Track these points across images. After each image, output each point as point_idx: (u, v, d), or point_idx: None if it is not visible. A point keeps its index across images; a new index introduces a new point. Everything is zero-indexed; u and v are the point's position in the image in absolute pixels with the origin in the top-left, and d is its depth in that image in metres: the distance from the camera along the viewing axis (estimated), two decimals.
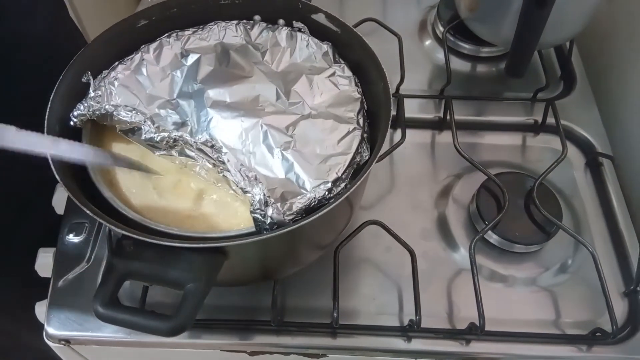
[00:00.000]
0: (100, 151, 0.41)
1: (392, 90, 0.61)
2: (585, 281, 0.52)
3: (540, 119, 0.62)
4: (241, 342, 0.48)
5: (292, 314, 0.50)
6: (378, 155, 0.41)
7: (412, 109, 0.62)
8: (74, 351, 0.50)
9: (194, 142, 0.39)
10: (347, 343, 0.48)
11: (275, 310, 0.47)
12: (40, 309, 0.52)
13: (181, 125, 0.44)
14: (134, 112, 0.41)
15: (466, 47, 0.68)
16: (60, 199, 0.57)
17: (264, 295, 0.49)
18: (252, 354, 0.49)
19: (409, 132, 0.57)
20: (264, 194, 0.38)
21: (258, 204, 0.38)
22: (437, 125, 0.63)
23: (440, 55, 0.70)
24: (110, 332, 0.47)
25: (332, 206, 0.38)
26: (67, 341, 0.48)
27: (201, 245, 0.35)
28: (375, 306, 0.50)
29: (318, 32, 0.50)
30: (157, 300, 0.50)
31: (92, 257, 0.52)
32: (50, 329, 0.48)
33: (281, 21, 0.51)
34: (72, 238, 0.52)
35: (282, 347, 0.48)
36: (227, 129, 0.44)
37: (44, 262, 0.55)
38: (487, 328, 0.46)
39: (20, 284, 0.61)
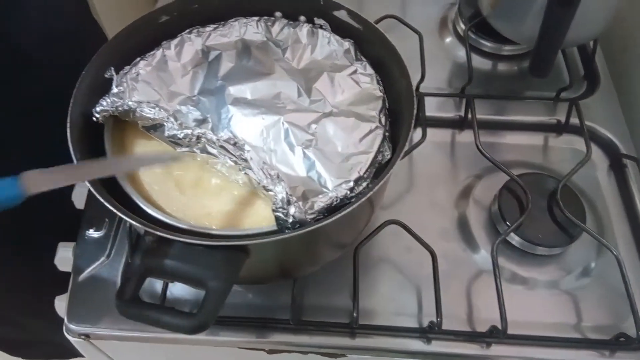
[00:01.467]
0: (129, 159, 0.41)
1: (413, 87, 0.60)
2: (608, 285, 0.51)
3: (563, 119, 0.61)
4: (259, 340, 0.48)
5: (309, 312, 0.49)
6: (402, 153, 0.40)
7: (431, 107, 0.62)
8: (93, 346, 0.50)
9: (217, 139, 0.39)
10: (366, 343, 0.48)
11: (294, 309, 0.47)
12: (60, 304, 0.52)
13: (202, 121, 0.44)
14: (157, 108, 0.41)
15: (488, 45, 0.67)
16: (80, 194, 0.57)
17: (281, 293, 0.49)
18: (271, 352, 0.49)
19: (428, 130, 0.56)
20: (287, 193, 0.38)
21: (280, 203, 0.37)
22: (458, 124, 0.62)
23: (460, 52, 0.69)
24: (129, 327, 0.48)
25: (354, 206, 0.37)
26: (86, 336, 0.49)
27: (224, 243, 0.35)
28: (394, 306, 0.50)
29: (339, 29, 0.49)
30: (176, 296, 0.50)
31: (112, 252, 0.52)
32: (70, 324, 0.49)
33: (302, 18, 0.50)
34: (92, 233, 0.53)
35: (300, 346, 0.48)
36: (248, 126, 0.44)
37: (64, 257, 0.55)
38: (508, 331, 0.46)
39: (39, 278, 0.62)
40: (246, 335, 0.48)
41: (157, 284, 0.50)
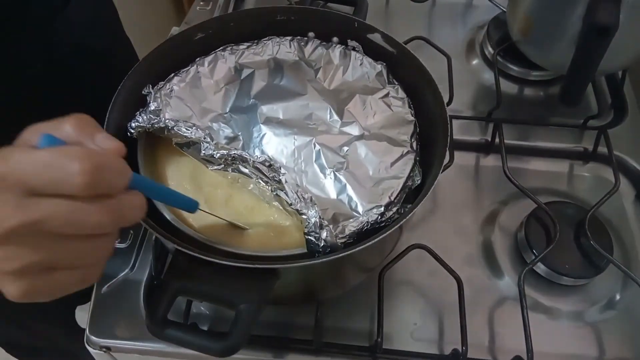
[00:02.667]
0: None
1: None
2: (633, 318, 0.50)
3: (589, 147, 0.60)
4: None
5: (330, 334, 0.49)
6: (436, 181, 0.40)
7: (456, 130, 0.61)
8: (113, 359, 0.50)
9: (253, 160, 0.39)
10: None
11: (317, 331, 0.46)
12: (82, 314, 0.52)
13: (233, 139, 0.44)
14: (194, 128, 0.41)
15: (515, 69, 0.66)
16: None
17: (303, 313, 0.49)
18: None
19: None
20: (319, 217, 0.38)
21: (313, 227, 0.37)
22: (483, 148, 0.62)
23: (486, 75, 0.69)
24: (152, 342, 0.47)
25: (387, 233, 0.37)
26: (107, 348, 0.48)
27: (257, 265, 0.35)
28: (416, 332, 0.50)
29: (372, 51, 0.49)
30: (195, 312, 0.50)
31: (137, 264, 0.52)
32: (91, 335, 0.49)
33: (335, 39, 0.51)
34: (117, 244, 0.53)
35: None
36: (279, 146, 0.44)
37: None
38: None
39: None
40: (267, 355, 0.48)
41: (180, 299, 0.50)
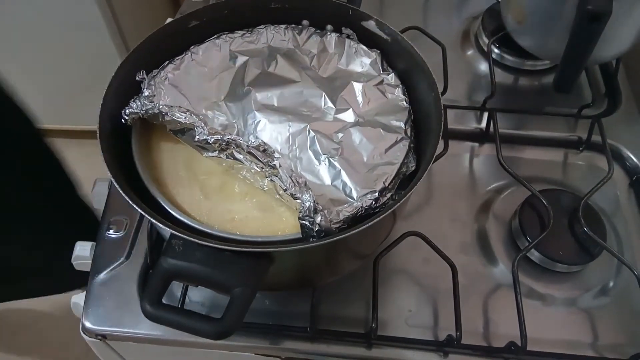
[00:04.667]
0: None
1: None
2: (626, 304, 0.51)
3: (584, 136, 0.60)
4: (276, 347, 0.48)
5: (326, 321, 0.49)
6: (429, 166, 0.40)
7: (452, 119, 0.62)
8: (109, 347, 0.50)
9: (247, 145, 0.39)
10: (383, 354, 0.47)
11: (313, 317, 0.47)
12: (77, 303, 0.52)
13: (228, 127, 0.44)
14: (188, 113, 0.41)
15: (510, 59, 0.67)
16: (99, 194, 0.58)
17: (299, 300, 0.49)
18: (286, 359, 0.49)
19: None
20: (314, 201, 0.38)
21: (307, 211, 0.38)
22: (478, 137, 0.62)
23: (481, 65, 0.69)
24: (147, 329, 0.48)
25: (381, 217, 0.37)
26: (103, 336, 0.49)
27: (251, 249, 0.35)
28: (411, 318, 0.50)
29: (366, 39, 0.49)
30: (193, 299, 0.50)
31: (132, 253, 0.52)
32: (87, 323, 0.49)
33: (329, 27, 0.51)
34: (112, 234, 0.53)
35: (317, 355, 0.48)
36: (274, 133, 0.44)
37: (81, 255, 0.55)
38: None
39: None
40: (263, 342, 0.48)
41: (175, 286, 0.50)
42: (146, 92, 0.43)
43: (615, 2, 0.49)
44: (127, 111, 0.42)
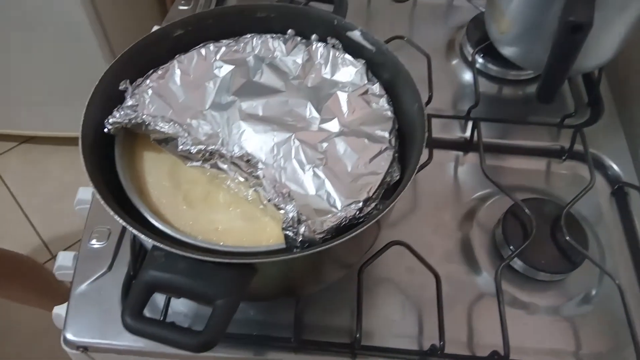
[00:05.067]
0: None
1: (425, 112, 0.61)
2: (609, 313, 0.51)
3: (567, 145, 0.61)
4: (259, 358, 0.48)
5: (311, 331, 0.49)
6: (412, 176, 0.40)
7: (436, 129, 0.62)
8: (90, 359, 0.49)
9: (230, 155, 0.39)
10: None
11: (297, 328, 0.46)
12: (59, 314, 0.51)
13: (212, 136, 0.44)
14: (171, 123, 0.41)
15: (494, 69, 0.67)
16: (83, 202, 0.57)
17: (283, 311, 0.49)
18: None
19: (433, 151, 0.56)
20: (297, 212, 0.38)
21: (291, 221, 0.37)
22: (462, 146, 0.62)
23: (466, 75, 0.69)
24: (129, 341, 0.47)
25: (364, 228, 0.37)
26: (85, 348, 0.48)
27: (233, 260, 0.35)
28: (395, 328, 0.50)
29: (352, 49, 0.50)
30: (176, 311, 0.50)
31: (114, 264, 0.51)
32: (68, 335, 0.48)
33: (314, 36, 0.51)
34: (95, 244, 0.52)
35: None
36: (259, 143, 0.44)
37: (64, 265, 0.55)
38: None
39: None
40: (247, 353, 0.48)
41: (158, 297, 0.50)
42: (129, 102, 0.42)
43: (597, 13, 0.50)
44: (110, 120, 0.42)
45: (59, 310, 0.52)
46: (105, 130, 0.42)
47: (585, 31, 0.49)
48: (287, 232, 0.38)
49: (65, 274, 0.55)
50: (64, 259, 0.56)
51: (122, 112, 0.41)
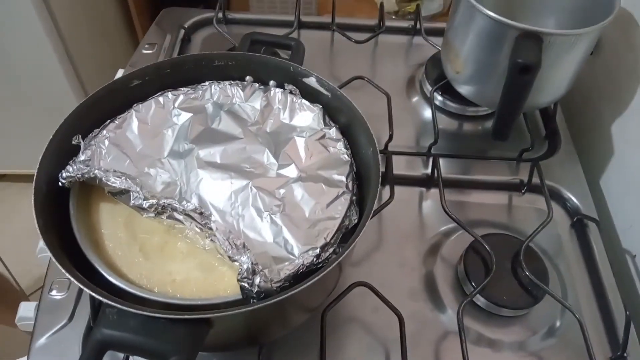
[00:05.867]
0: None
1: (381, 147, 0.62)
2: (572, 345, 0.52)
3: (525, 179, 0.63)
4: None
5: None
6: (367, 221, 0.41)
7: (400, 166, 0.63)
8: None
9: (182, 209, 0.39)
10: None
11: None
12: None
13: (170, 184, 0.44)
14: (123, 177, 0.41)
15: (452, 105, 0.69)
16: (44, 250, 0.56)
17: (247, 357, 0.48)
18: None
19: (397, 188, 0.57)
20: (252, 262, 0.38)
21: (245, 273, 0.37)
22: (425, 182, 0.63)
23: (426, 112, 0.71)
24: None
25: (319, 276, 0.37)
26: None
27: (186, 316, 0.35)
28: None
29: (309, 94, 0.51)
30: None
31: (74, 315, 0.50)
32: None
33: (272, 82, 0.52)
34: (55, 294, 0.51)
35: None
36: (216, 191, 0.44)
37: (25, 316, 0.54)
38: None
39: None
40: None
41: None
42: (82, 157, 0.42)
43: (545, 53, 0.52)
44: (64, 175, 0.41)
45: None
46: (60, 184, 0.42)
47: (534, 72, 0.51)
48: (243, 283, 0.37)
49: (27, 325, 0.53)
50: (25, 310, 0.54)
51: (75, 167, 0.41)
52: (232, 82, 0.51)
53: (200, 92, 0.50)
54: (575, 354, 0.51)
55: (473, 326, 0.52)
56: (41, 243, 0.57)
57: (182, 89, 0.50)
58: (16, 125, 1.28)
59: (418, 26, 0.79)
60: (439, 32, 0.74)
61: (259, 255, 0.40)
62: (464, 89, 0.62)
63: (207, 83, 0.51)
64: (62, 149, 0.43)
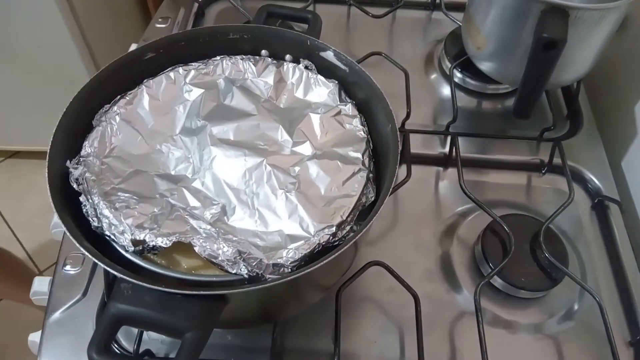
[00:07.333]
0: None
1: (398, 125, 0.61)
2: (590, 329, 0.51)
3: (546, 159, 0.61)
4: None
5: (290, 356, 0.48)
6: (386, 198, 0.40)
7: (416, 145, 0.62)
8: None
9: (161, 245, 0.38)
10: None
11: (274, 354, 0.46)
12: (33, 340, 0.50)
13: (184, 161, 0.44)
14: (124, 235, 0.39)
15: (472, 83, 0.67)
16: (59, 225, 0.56)
17: (261, 335, 0.48)
18: None
19: (413, 167, 0.56)
20: (250, 269, 0.37)
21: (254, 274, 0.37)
22: (442, 161, 0.62)
23: (445, 89, 0.69)
24: None
25: (336, 255, 0.37)
26: None
27: (201, 292, 0.34)
28: (376, 349, 0.49)
29: (325, 69, 0.49)
30: (153, 337, 0.49)
31: (89, 290, 0.50)
32: None
33: (288, 57, 0.50)
34: (69, 269, 0.51)
35: None
36: (230, 168, 0.43)
37: (40, 291, 0.54)
38: None
39: None
40: None
41: None
42: (94, 134, 0.42)
43: (571, 28, 0.50)
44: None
45: (34, 337, 0.51)
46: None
47: (560, 48, 0.49)
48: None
49: (41, 299, 0.54)
50: (40, 285, 0.55)
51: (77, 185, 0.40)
52: (244, 56, 0.50)
53: (212, 67, 0.49)
54: (592, 337, 0.50)
55: (489, 307, 0.51)
56: (55, 217, 0.57)
57: (193, 63, 0.49)
58: (30, 102, 1.28)
59: (438, 0, 0.77)
60: (459, 7, 0.72)
61: (274, 233, 0.39)
62: (485, 66, 0.60)
63: (218, 58, 0.50)
64: (75, 123, 0.43)
